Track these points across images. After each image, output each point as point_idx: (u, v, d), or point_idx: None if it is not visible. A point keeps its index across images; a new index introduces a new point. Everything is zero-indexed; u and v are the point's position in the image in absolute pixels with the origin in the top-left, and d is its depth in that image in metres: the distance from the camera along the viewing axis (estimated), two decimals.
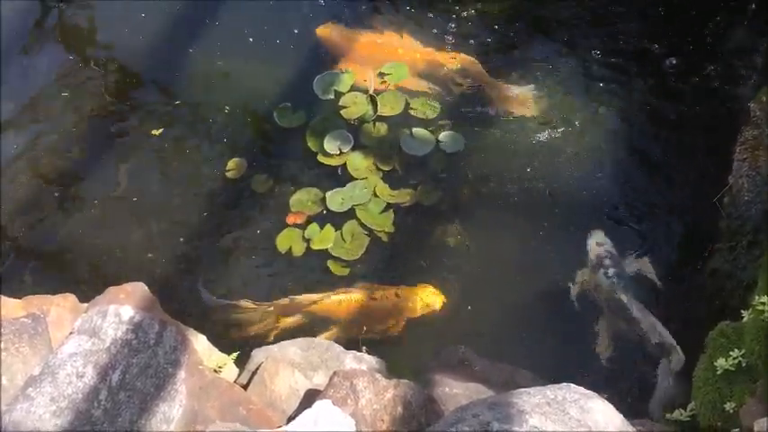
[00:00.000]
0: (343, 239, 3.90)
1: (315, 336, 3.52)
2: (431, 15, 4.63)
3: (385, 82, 4.36)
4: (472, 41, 4.53)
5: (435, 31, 4.56)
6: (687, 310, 3.57)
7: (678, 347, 3.37)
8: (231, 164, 4.14)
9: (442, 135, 4.18)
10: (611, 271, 3.65)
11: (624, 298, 3.55)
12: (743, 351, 2.63)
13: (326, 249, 3.88)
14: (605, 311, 3.64)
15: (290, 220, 3.96)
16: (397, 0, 4.71)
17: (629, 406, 2.84)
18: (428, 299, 3.72)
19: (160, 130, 4.24)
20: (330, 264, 3.82)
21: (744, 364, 2.62)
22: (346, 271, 3.81)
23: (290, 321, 3.66)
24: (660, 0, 4.60)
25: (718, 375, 2.66)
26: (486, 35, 4.56)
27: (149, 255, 3.88)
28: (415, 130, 4.20)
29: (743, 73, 4.24)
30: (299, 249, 3.88)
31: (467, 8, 4.63)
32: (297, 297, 3.68)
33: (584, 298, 3.70)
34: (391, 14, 4.67)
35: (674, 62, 4.36)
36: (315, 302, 3.66)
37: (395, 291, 3.73)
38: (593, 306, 3.68)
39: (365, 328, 3.64)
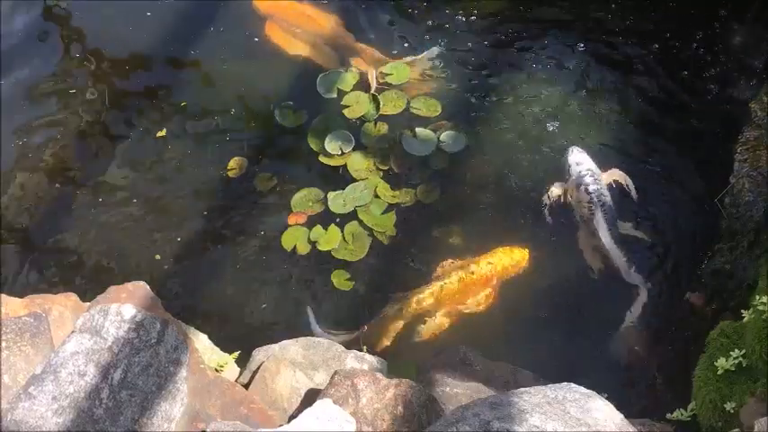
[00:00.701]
0: (345, 241, 3.90)
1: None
2: (429, 23, 4.63)
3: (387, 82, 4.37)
4: (470, 43, 4.54)
5: (428, 37, 4.56)
6: (688, 309, 3.57)
7: (644, 289, 3.65)
8: (232, 163, 4.14)
9: (444, 135, 4.18)
10: (591, 188, 3.84)
11: (602, 221, 3.77)
12: (743, 351, 2.64)
13: (330, 251, 3.87)
14: (582, 227, 3.85)
15: (292, 220, 3.96)
16: (399, 4, 4.72)
17: (630, 405, 2.83)
18: (516, 259, 3.76)
19: (164, 132, 4.25)
20: (333, 278, 3.79)
21: (744, 364, 2.62)
22: (350, 285, 3.78)
23: (400, 326, 3.66)
24: (661, 0, 4.61)
25: (719, 375, 2.66)
26: (483, 37, 4.56)
27: (151, 254, 3.87)
28: (417, 129, 4.20)
29: (744, 73, 4.24)
30: (303, 248, 3.88)
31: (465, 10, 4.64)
32: (403, 299, 3.68)
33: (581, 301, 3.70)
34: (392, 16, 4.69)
35: (674, 62, 4.36)
36: (422, 298, 3.66)
37: (486, 260, 3.74)
38: (592, 306, 3.69)
39: (458, 306, 3.67)
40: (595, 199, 3.81)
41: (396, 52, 4.51)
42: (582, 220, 3.87)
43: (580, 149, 3.99)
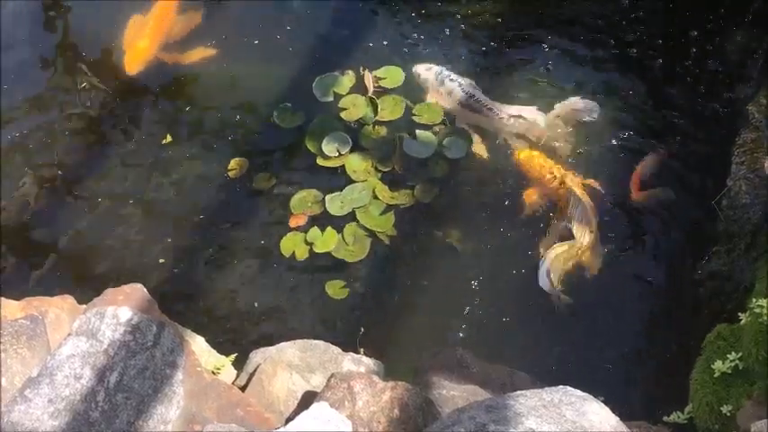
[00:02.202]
0: (345, 242, 3.89)
1: None
2: (427, 28, 4.61)
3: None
4: (470, 49, 4.54)
5: (422, 46, 4.56)
6: (685, 312, 3.57)
7: (537, 116, 4.10)
8: (233, 163, 4.14)
9: (446, 140, 4.17)
10: (453, 75, 4.25)
11: (475, 90, 4.20)
12: (740, 354, 2.63)
13: (329, 252, 3.86)
14: (461, 112, 4.22)
15: (293, 222, 3.95)
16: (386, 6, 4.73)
17: (626, 408, 2.83)
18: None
19: (169, 138, 4.24)
20: (328, 287, 3.77)
21: (741, 367, 2.62)
22: (345, 292, 3.76)
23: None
24: (659, 0, 4.60)
25: (716, 378, 2.66)
26: (482, 42, 4.55)
27: (149, 256, 3.88)
28: (416, 132, 4.20)
29: (742, 75, 4.24)
30: (302, 251, 3.86)
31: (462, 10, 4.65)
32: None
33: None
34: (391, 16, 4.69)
35: (672, 63, 4.36)
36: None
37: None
38: (588, 308, 3.69)
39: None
40: (460, 79, 4.22)
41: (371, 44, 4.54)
42: (462, 106, 4.20)
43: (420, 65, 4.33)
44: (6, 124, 4.27)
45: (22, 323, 2.60)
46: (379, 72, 4.40)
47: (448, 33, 4.57)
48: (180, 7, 4.58)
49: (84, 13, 4.75)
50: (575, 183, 3.84)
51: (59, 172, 4.16)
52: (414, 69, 4.35)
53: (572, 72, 4.41)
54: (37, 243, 3.94)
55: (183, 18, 4.57)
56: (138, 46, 4.41)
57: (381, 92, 4.36)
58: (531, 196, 3.92)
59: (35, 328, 2.60)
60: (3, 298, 2.83)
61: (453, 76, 4.24)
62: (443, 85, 4.23)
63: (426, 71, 4.30)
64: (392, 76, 4.39)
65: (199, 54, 4.46)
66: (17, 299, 2.84)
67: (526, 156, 4.02)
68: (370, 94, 4.32)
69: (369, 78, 4.35)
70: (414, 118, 4.26)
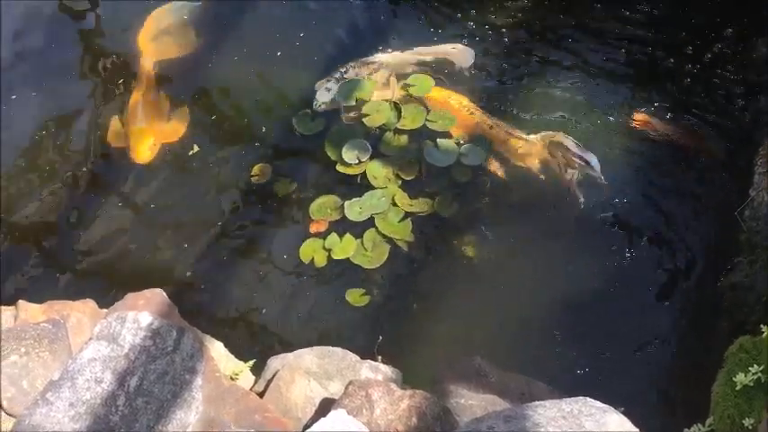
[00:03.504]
0: (364, 248, 3.90)
1: None
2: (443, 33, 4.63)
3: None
4: (487, 54, 4.54)
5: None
6: (706, 324, 3.54)
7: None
8: (256, 169, 4.16)
9: (464, 148, 4.16)
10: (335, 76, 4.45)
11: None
12: (762, 366, 2.61)
13: (348, 258, 3.87)
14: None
15: (313, 228, 3.96)
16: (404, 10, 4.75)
17: (647, 420, 2.81)
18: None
19: (196, 148, 4.27)
20: (348, 295, 3.77)
21: (763, 380, 2.59)
22: (365, 300, 3.76)
23: None
24: (680, 9, 4.57)
25: (737, 391, 2.63)
26: (500, 47, 4.55)
27: (170, 261, 3.91)
28: (439, 140, 4.19)
29: (765, 84, 4.20)
30: (321, 258, 3.87)
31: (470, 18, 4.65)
32: None
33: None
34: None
35: (695, 72, 4.33)
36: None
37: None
38: (607, 319, 3.67)
39: None
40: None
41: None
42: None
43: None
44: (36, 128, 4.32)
45: (44, 327, 2.63)
46: (409, 79, 4.39)
47: (466, 38, 4.57)
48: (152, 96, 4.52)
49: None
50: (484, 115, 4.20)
51: (86, 175, 4.20)
52: (317, 98, 4.35)
53: (594, 79, 4.39)
54: (60, 247, 3.98)
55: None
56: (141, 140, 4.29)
57: (407, 99, 4.35)
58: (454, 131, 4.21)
59: (57, 331, 2.63)
60: (24, 301, 2.86)
61: (336, 76, 4.43)
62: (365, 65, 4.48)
63: (327, 92, 4.38)
64: (421, 83, 4.39)
65: (179, 125, 4.36)
66: (39, 302, 2.87)
67: (439, 94, 4.30)
68: (393, 99, 4.32)
69: (393, 83, 4.36)
70: (428, 124, 4.26)
